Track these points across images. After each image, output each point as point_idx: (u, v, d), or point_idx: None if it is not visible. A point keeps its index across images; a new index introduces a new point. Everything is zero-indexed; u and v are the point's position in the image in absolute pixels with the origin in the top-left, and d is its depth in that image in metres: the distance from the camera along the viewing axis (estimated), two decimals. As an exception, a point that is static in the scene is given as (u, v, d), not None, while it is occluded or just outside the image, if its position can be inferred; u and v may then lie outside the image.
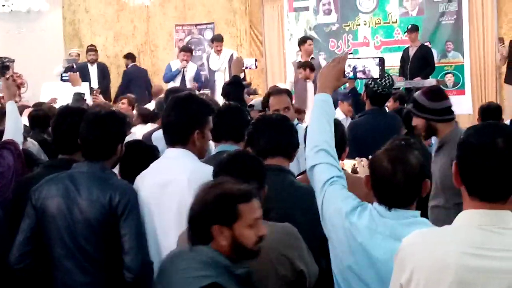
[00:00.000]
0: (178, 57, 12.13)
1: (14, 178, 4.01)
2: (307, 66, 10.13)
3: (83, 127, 3.52)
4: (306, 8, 13.68)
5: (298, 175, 3.80)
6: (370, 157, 2.88)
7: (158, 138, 5.09)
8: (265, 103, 5.38)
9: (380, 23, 13.06)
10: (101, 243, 3.38)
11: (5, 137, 4.32)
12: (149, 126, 7.44)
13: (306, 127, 3.28)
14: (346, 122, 7.21)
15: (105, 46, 14.54)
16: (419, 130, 4.25)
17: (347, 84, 6.52)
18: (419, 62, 11.13)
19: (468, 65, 12.50)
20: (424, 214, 2.92)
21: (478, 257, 2.03)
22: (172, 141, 3.51)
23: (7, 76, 7.10)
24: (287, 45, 13.93)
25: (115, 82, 13.58)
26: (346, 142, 3.92)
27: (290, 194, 3.36)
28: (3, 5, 13.15)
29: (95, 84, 11.94)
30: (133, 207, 3.39)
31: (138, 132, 7.09)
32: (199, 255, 2.55)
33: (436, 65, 11.67)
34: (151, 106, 9.30)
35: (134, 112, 8.69)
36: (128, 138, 3.82)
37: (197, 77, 11.94)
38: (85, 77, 10.83)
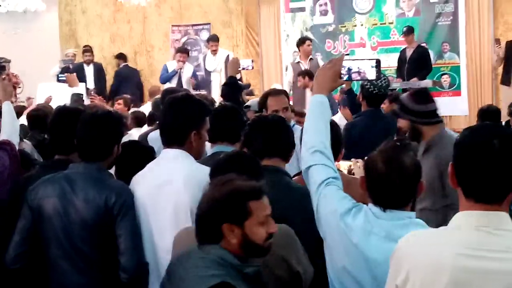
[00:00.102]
0: (174, 58, 12.13)
1: (10, 179, 4.00)
2: (306, 74, 10.12)
3: (79, 128, 3.52)
4: (303, 9, 13.68)
5: (294, 176, 3.80)
6: (365, 158, 2.88)
7: (154, 138, 5.09)
8: (261, 104, 5.38)
9: (376, 24, 13.07)
10: (97, 244, 3.38)
11: (1, 137, 4.31)
12: (145, 128, 7.44)
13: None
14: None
15: (101, 46, 14.53)
16: (404, 131, 4.27)
17: (344, 85, 6.54)
18: (417, 63, 11.11)
19: (464, 66, 12.52)
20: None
21: (474, 258, 2.03)
22: (169, 141, 3.51)
23: (3, 77, 7.08)
24: (283, 46, 13.94)
25: (112, 83, 13.60)
26: (341, 143, 3.92)
27: (286, 195, 3.35)
28: (0, 5, 13.14)
29: (91, 84, 11.95)
30: (129, 208, 3.39)
31: (134, 134, 7.08)
32: (208, 254, 2.52)
33: (432, 66, 11.67)
34: (145, 108, 9.30)
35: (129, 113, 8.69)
36: (124, 139, 3.81)
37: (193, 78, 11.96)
38: (81, 77, 10.82)
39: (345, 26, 13.30)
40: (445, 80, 12.61)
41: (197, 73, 12.52)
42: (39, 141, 5.72)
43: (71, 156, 3.72)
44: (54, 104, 7.52)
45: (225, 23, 14.35)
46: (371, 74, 3.18)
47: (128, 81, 13.06)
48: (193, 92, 8.04)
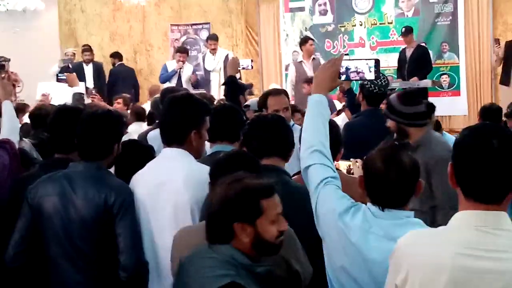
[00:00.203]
0: (173, 57, 12.12)
1: (10, 178, 4.00)
2: (311, 82, 10.11)
3: (79, 127, 3.52)
4: (302, 9, 13.68)
5: (293, 175, 3.80)
6: (364, 157, 2.88)
7: (153, 137, 5.09)
8: (261, 103, 5.38)
9: (376, 24, 13.07)
10: (97, 243, 3.39)
11: (1, 136, 4.32)
12: (145, 126, 7.44)
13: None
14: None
15: (101, 46, 14.52)
16: (392, 131, 4.28)
17: (344, 85, 6.53)
18: (417, 63, 11.09)
19: (463, 66, 12.52)
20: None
21: (473, 257, 2.04)
22: (169, 141, 3.51)
23: (3, 76, 7.05)
24: (282, 45, 13.94)
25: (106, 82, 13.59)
26: (341, 143, 3.92)
27: (285, 194, 3.34)
28: (-1, 4, 13.15)
29: (90, 84, 11.93)
30: (129, 207, 3.39)
31: (132, 129, 7.08)
32: (219, 254, 2.50)
33: (432, 65, 11.67)
34: (145, 107, 9.30)
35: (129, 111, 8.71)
36: (124, 138, 3.81)
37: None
38: (81, 77, 10.80)
39: (344, 26, 13.30)
40: (445, 80, 12.61)
41: (197, 72, 12.51)
42: (42, 139, 5.71)
43: (71, 155, 3.72)
44: (54, 103, 7.52)
45: (225, 23, 14.35)
46: (370, 74, 3.18)
47: (123, 80, 13.03)
48: (193, 91, 8.05)
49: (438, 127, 6.63)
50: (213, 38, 12.57)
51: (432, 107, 4.39)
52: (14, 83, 6.66)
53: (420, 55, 11.23)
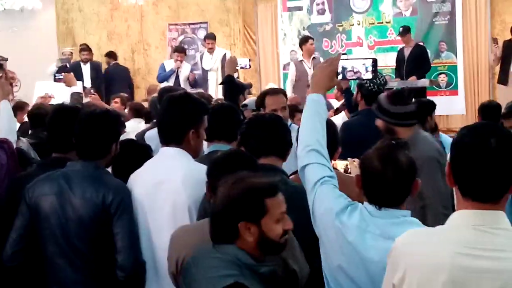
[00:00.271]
0: (171, 57, 12.12)
1: (7, 177, 4.00)
2: None
3: (77, 126, 3.52)
4: (300, 8, 13.66)
5: (291, 174, 3.80)
6: (361, 156, 2.88)
7: (151, 137, 5.09)
8: (259, 102, 5.37)
9: (373, 23, 13.06)
10: (94, 242, 3.39)
11: (-1, 135, 4.32)
12: (143, 125, 7.43)
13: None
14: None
15: (98, 45, 14.52)
16: (381, 131, 4.29)
17: (342, 84, 6.53)
18: (415, 62, 11.08)
19: (461, 65, 12.51)
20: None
21: (471, 257, 2.03)
22: (167, 140, 3.51)
23: (0, 75, 7.06)
24: (280, 45, 13.92)
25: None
26: (338, 142, 3.92)
27: (283, 193, 3.35)
28: (-3, 4, 13.13)
29: (87, 83, 11.92)
30: (126, 206, 3.39)
31: (130, 126, 7.07)
32: (223, 254, 2.49)
33: (431, 64, 11.67)
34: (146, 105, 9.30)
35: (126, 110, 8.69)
36: (122, 137, 3.81)
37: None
38: (78, 76, 10.79)
39: (342, 25, 13.29)
40: (442, 79, 12.61)
41: (195, 71, 12.51)
42: (41, 139, 5.70)
43: (69, 154, 3.72)
44: (52, 103, 7.52)
45: (223, 22, 14.34)
46: (368, 74, 3.19)
47: (117, 79, 13.02)
48: (191, 90, 8.04)
49: (434, 127, 6.61)
50: (210, 37, 12.56)
51: (432, 106, 4.38)
52: (12, 82, 6.66)
53: (418, 55, 11.22)
